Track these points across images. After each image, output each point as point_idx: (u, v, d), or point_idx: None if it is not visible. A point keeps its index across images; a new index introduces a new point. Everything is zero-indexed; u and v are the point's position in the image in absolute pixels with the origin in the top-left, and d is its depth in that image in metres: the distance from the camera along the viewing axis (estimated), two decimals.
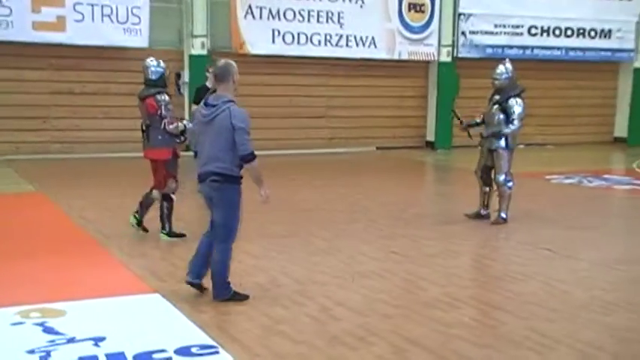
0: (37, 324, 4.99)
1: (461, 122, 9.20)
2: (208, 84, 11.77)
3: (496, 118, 8.70)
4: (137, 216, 7.91)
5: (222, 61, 5.77)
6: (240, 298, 5.68)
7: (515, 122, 8.59)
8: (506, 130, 8.62)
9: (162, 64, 7.62)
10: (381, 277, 6.48)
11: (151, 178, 7.83)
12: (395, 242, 7.87)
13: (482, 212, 9.04)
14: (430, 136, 18.23)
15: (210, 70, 8.63)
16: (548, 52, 19.03)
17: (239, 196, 5.60)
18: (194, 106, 9.28)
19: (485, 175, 9.01)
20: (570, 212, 9.79)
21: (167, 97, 7.52)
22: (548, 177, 13.18)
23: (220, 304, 5.56)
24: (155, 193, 7.79)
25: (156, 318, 5.32)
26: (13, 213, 9.06)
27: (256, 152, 5.52)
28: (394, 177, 13.42)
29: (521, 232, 8.41)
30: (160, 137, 7.48)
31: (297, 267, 6.72)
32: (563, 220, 9.22)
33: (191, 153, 6.83)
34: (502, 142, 8.69)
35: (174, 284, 6.11)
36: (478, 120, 9.12)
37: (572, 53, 19.28)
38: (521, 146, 18.70)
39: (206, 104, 5.57)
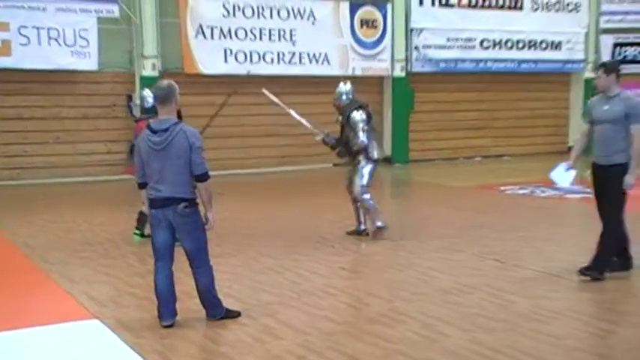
0: None
1: (326, 143, 8.95)
2: None
3: (350, 136, 8.63)
4: (138, 232, 8.63)
5: (164, 83, 5.61)
6: (233, 315, 5.64)
7: (360, 135, 8.51)
8: (357, 146, 8.53)
9: None
10: (327, 294, 6.41)
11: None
12: (344, 259, 7.82)
13: (360, 228, 8.92)
14: (387, 151, 18.25)
15: (145, 95, 8.71)
16: (501, 65, 19.22)
17: (201, 218, 5.53)
18: None
19: (351, 188, 8.89)
20: (521, 223, 9.83)
21: None
22: (502, 188, 13.26)
23: (160, 328, 5.44)
24: (144, 208, 7.81)
25: (93, 345, 5.19)
26: None
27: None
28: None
29: (472, 244, 8.41)
30: None
31: (242, 286, 6.63)
32: (513, 230, 9.26)
33: None
34: (361, 156, 8.63)
35: (114, 309, 6.00)
36: (334, 139, 8.90)
37: (524, 65, 19.51)
38: (478, 158, 18.99)
39: (154, 131, 5.38)
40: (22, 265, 7.64)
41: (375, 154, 8.69)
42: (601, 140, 6.67)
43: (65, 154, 14.66)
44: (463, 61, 18.63)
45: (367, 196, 8.63)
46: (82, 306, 6.06)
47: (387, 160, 18.02)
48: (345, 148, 8.75)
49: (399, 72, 17.89)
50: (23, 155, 14.36)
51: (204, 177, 5.43)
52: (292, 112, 9.39)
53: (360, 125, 8.51)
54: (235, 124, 15.94)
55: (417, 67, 18.09)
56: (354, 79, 17.33)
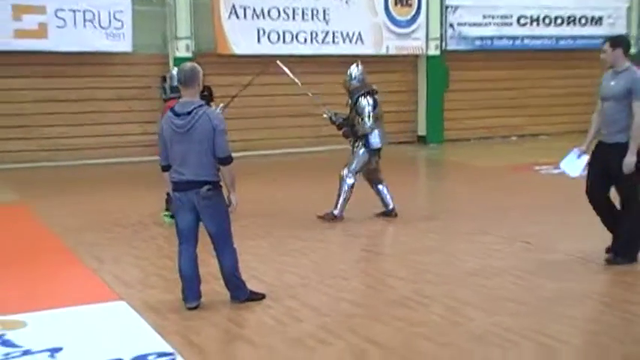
0: None
1: (333, 122, 8.92)
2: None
3: (356, 120, 8.59)
4: (167, 213, 8.51)
5: (188, 65, 5.61)
6: (257, 297, 5.67)
7: (366, 121, 8.45)
8: (361, 131, 8.51)
9: None
10: (351, 276, 6.41)
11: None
12: (371, 241, 7.79)
13: (389, 208, 8.81)
14: (421, 131, 18.12)
15: (174, 74, 8.79)
16: (538, 42, 18.85)
17: (224, 200, 5.56)
18: None
19: (367, 175, 8.85)
20: (554, 204, 9.67)
21: None
22: (537, 168, 13.05)
23: (184, 310, 5.50)
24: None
25: (117, 326, 5.26)
26: None
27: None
28: (383, 173, 13.29)
29: (501, 226, 8.32)
30: None
31: (267, 268, 6.66)
32: (544, 212, 9.11)
33: None
34: (361, 142, 8.58)
35: (141, 290, 6.08)
36: (343, 118, 8.86)
37: (562, 42, 19.11)
38: (514, 138, 18.71)
39: (177, 114, 5.38)
40: (52, 246, 7.77)
41: (377, 143, 8.61)
42: (605, 118, 6.41)
43: (100, 135, 14.81)
44: (499, 38, 18.30)
45: (350, 181, 8.59)
46: (109, 287, 6.15)
47: (422, 140, 17.91)
48: (351, 130, 8.71)
49: (433, 50, 17.66)
50: (60, 137, 14.55)
51: (227, 160, 5.44)
52: (300, 86, 9.32)
53: (367, 111, 8.46)
54: (269, 104, 15.96)
55: (451, 45, 17.83)
56: (387, 58, 17.41)
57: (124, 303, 5.70)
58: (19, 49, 13.73)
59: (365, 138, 8.56)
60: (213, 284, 5.92)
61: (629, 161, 6.21)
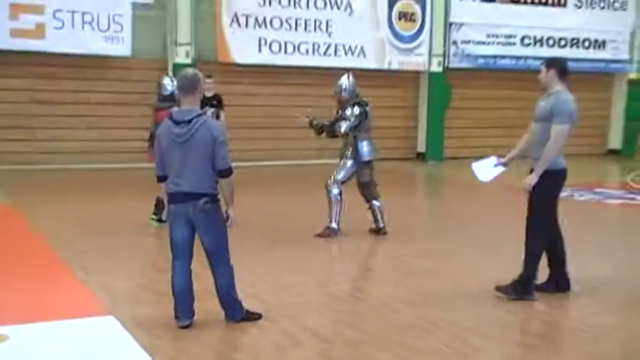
0: None
1: (312, 125, 8.72)
2: (207, 93, 11.57)
3: (336, 125, 8.47)
4: (155, 217, 8.63)
5: (189, 71, 5.33)
6: (253, 317, 5.38)
7: (343, 123, 8.30)
8: (336, 131, 8.39)
9: (175, 82, 8.14)
10: (353, 297, 6.13)
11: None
12: (373, 260, 7.52)
13: (378, 227, 8.59)
14: (421, 148, 17.91)
15: (171, 82, 8.58)
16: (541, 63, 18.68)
17: (222, 214, 5.28)
18: None
19: (361, 189, 8.65)
20: None
21: None
22: None
23: (176, 328, 5.19)
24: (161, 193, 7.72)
25: (104, 344, 4.94)
26: None
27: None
28: (380, 189, 13.02)
29: (502, 248, 8.02)
30: None
31: (266, 286, 6.36)
32: None
33: None
34: (349, 152, 8.43)
35: (131, 305, 5.78)
36: (327, 123, 8.70)
37: None
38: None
39: (176, 122, 5.09)
40: (40, 253, 7.46)
41: (366, 156, 8.43)
42: (533, 139, 6.13)
43: (96, 139, 14.53)
44: (502, 57, 18.17)
45: (335, 191, 8.41)
46: (97, 300, 5.84)
47: (421, 157, 17.68)
48: (331, 136, 8.61)
49: (436, 67, 17.52)
50: (55, 140, 14.25)
51: (227, 172, 5.15)
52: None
53: (351, 116, 8.30)
54: (271, 114, 15.71)
55: (454, 63, 17.69)
56: (389, 73, 17.21)
57: (112, 318, 5.38)
58: (15, 49, 13.47)
59: (355, 149, 8.37)
60: (207, 301, 5.59)
61: (530, 180, 5.94)
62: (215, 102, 11.27)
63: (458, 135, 17.94)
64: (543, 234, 6.11)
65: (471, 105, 18.02)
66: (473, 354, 4.88)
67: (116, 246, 7.83)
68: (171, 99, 8.45)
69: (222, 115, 11.73)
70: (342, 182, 8.45)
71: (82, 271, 6.71)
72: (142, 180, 12.99)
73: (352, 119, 8.31)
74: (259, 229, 8.61)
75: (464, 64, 17.78)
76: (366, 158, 8.43)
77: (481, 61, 17.92)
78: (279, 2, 15.62)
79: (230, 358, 4.77)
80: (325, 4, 16.08)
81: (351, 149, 8.42)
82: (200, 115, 5.14)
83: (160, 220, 8.33)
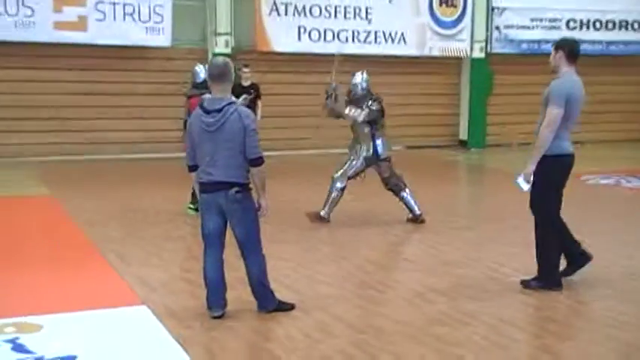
0: (8, 340, 4.67)
1: (328, 95, 8.59)
2: (244, 83, 11.61)
3: (349, 108, 8.43)
4: (192, 206, 8.54)
5: (220, 60, 5.31)
6: (285, 307, 5.35)
7: (361, 110, 8.23)
8: (348, 117, 8.37)
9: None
10: (387, 287, 6.05)
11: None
12: (408, 249, 7.42)
13: (414, 215, 8.47)
14: (463, 135, 17.65)
15: (204, 69, 8.59)
16: (588, 47, 18.18)
17: (254, 203, 5.24)
18: None
19: (385, 185, 8.56)
20: (601, 215, 9.20)
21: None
22: (583, 177, 12.50)
23: (208, 318, 5.18)
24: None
25: (136, 334, 4.96)
26: (19, 217, 8.81)
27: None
28: (420, 177, 12.85)
29: None
30: None
31: (299, 276, 6.32)
32: (590, 223, 8.57)
33: None
34: (363, 147, 8.42)
35: (165, 295, 5.80)
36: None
37: (613, 47, 18.46)
38: None
39: (207, 111, 5.07)
40: (77, 242, 7.54)
41: (383, 153, 8.42)
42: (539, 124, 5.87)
43: (137, 129, 14.63)
44: (547, 42, 17.65)
45: (339, 185, 8.41)
46: (131, 290, 5.88)
47: (463, 144, 17.44)
48: (331, 115, 8.61)
49: (478, 53, 17.19)
50: (96, 130, 14.40)
51: (258, 161, 5.11)
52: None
53: (374, 111, 8.27)
54: (311, 103, 15.61)
55: (497, 48, 17.34)
56: (430, 59, 16.98)
57: (145, 308, 5.41)
58: (59, 42, 13.63)
59: (373, 147, 8.37)
60: (240, 291, 5.59)
61: (525, 172, 5.72)
62: (252, 91, 11.28)
63: (500, 122, 17.62)
64: (554, 227, 5.88)
65: (514, 91, 17.64)
66: (511, 345, 4.77)
67: (152, 235, 7.86)
68: (204, 86, 8.43)
69: (259, 104, 11.74)
70: (349, 178, 8.48)
71: (118, 260, 6.77)
72: (180, 170, 13.10)
73: (370, 112, 8.28)
74: (292, 218, 8.55)
75: (507, 50, 17.41)
76: (384, 155, 8.45)
77: (524, 46, 17.54)
78: None
79: (262, 349, 4.74)
80: None
81: (365, 147, 8.43)
82: (231, 103, 5.10)
83: (197, 210, 8.33)
